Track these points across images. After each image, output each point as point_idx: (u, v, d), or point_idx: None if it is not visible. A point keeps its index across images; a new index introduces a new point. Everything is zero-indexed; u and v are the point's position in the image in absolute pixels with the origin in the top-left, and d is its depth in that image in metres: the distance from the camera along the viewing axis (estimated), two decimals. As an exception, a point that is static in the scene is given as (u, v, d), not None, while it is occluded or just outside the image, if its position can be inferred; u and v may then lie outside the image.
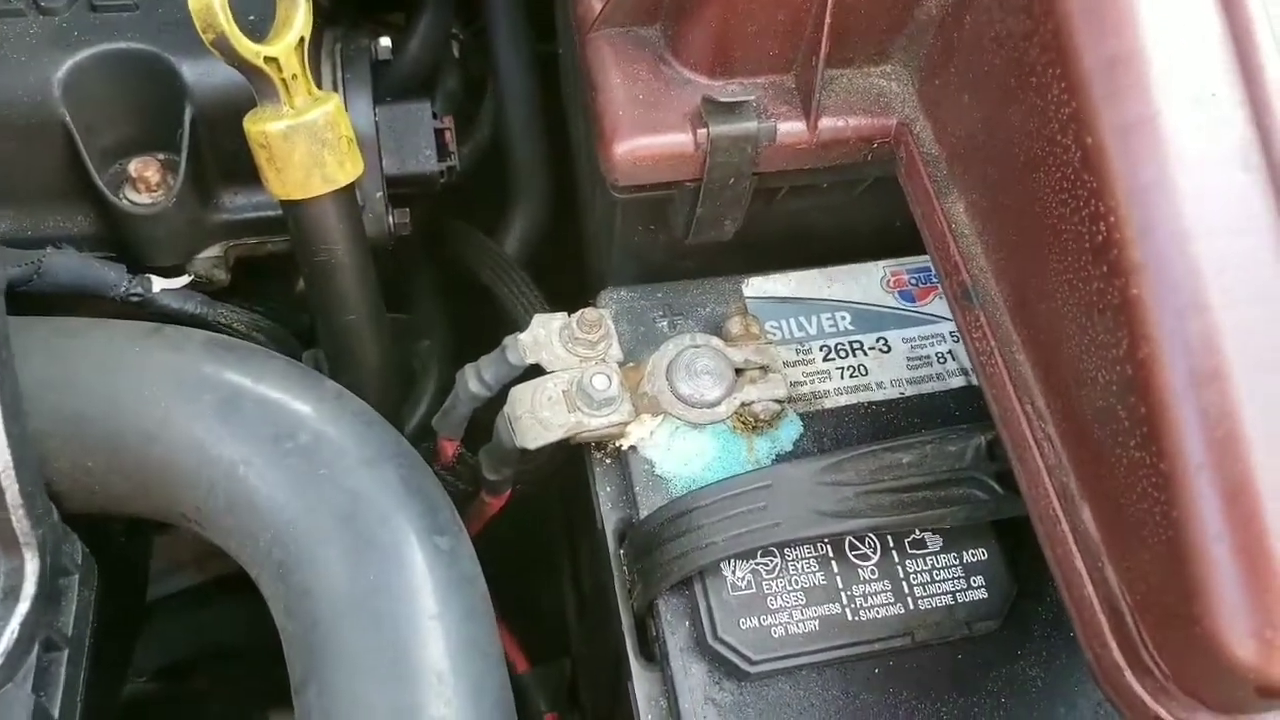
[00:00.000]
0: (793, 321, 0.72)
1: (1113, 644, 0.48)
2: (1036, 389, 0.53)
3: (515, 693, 0.92)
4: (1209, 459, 0.43)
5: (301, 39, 0.58)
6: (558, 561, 1.04)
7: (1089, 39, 0.48)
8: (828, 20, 0.59)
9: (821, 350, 0.71)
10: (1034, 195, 0.51)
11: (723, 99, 0.62)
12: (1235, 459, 0.42)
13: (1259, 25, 0.47)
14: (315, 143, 0.59)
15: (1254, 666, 0.42)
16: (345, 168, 0.61)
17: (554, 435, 0.64)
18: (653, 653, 0.63)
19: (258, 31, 0.57)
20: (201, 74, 0.66)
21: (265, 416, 0.58)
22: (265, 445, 0.57)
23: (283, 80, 0.58)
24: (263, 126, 0.59)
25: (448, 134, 0.82)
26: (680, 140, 0.63)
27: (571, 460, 0.72)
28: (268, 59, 0.57)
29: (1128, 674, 0.48)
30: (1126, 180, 0.46)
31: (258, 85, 0.58)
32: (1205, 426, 0.43)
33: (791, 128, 0.63)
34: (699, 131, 0.62)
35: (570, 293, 0.72)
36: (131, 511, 0.61)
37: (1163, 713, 0.47)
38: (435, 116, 0.81)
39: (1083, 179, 0.48)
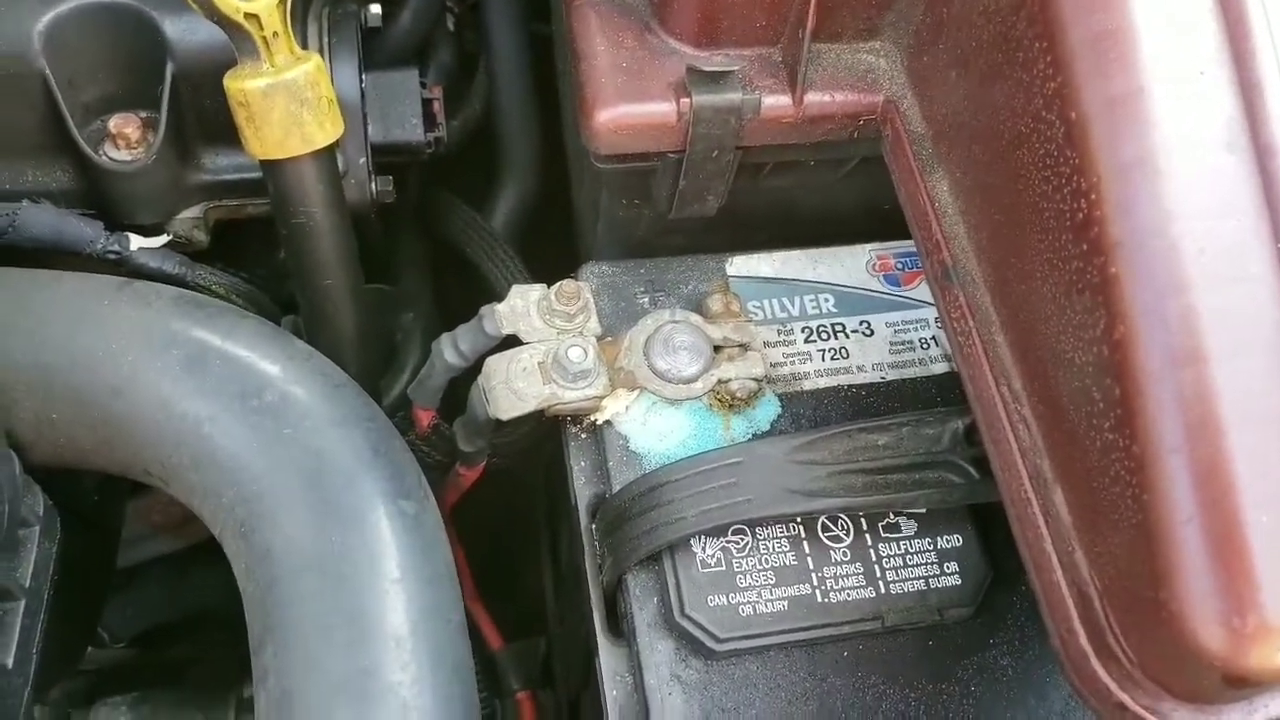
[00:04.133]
0: (775, 302, 0.71)
1: (1080, 630, 0.47)
2: (1014, 370, 0.52)
3: (488, 670, 0.92)
4: (1183, 441, 0.42)
5: (284, -3, 0.57)
6: (538, 540, 1.04)
7: (1077, 13, 0.47)
8: (815, -8, 0.59)
9: (803, 331, 0.70)
10: (1017, 172, 0.50)
11: (707, 69, 0.61)
12: (1209, 442, 0.42)
13: (1251, 5, 0.46)
14: (295, 102, 0.59)
15: (1221, 654, 0.41)
16: (325, 128, 0.61)
17: (528, 406, 0.63)
18: (620, 628, 0.62)
19: (241, -12, 0.57)
20: (184, 31, 0.65)
21: (232, 374, 0.57)
22: (231, 402, 0.56)
23: (263, 38, 0.57)
24: (242, 84, 0.58)
25: (436, 104, 0.81)
26: (663, 109, 0.62)
27: (552, 437, 0.71)
28: (248, 15, 0.56)
29: (1094, 660, 0.47)
30: (1109, 157, 0.45)
31: (238, 42, 0.58)
32: (1181, 408, 0.42)
33: (777, 101, 0.62)
34: (682, 101, 0.61)
35: (563, 274, 0.72)
36: (97, 466, 0.60)
37: (1127, 700, 0.46)
38: (424, 87, 0.80)
39: (1065, 155, 0.47)
